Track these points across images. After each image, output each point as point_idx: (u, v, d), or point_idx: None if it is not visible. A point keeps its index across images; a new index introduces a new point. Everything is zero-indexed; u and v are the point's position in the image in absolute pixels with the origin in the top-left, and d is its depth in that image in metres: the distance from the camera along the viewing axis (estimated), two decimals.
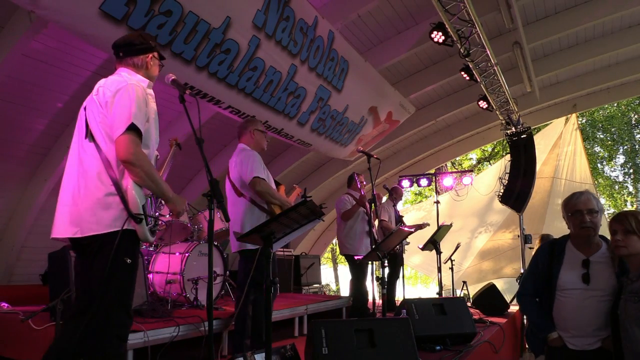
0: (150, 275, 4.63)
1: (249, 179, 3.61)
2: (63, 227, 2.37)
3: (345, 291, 6.47)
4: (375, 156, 5.10)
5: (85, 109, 2.51)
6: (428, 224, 7.33)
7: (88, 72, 5.67)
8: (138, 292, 4.00)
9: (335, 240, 14.57)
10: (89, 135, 2.42)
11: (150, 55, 2.67)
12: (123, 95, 2.39)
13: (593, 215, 2.84)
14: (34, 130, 5.94)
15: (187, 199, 5.69)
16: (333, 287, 20.76)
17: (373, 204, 5.03)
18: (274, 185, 3.86)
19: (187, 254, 4.63)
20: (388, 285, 5.68)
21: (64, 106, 5.91)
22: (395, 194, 7.17)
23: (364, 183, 6.10)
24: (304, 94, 5.80)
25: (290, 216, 2.49)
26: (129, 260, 2.36)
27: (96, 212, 2.32)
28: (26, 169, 6.20)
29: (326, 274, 20.93)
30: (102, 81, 2.54)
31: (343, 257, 6.19)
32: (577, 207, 2.87)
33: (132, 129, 2.33)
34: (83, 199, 2.34)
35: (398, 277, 7.00)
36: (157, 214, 2.57)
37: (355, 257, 5.68)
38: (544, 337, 2.92)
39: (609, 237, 2.81)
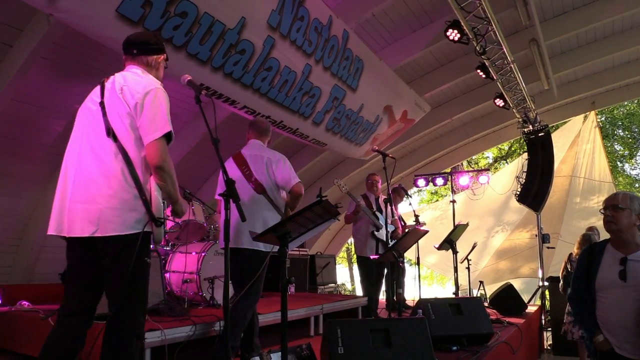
0: (167, 275, 4.67)
1: (294, 182, 3.62)
2: (79, 226, 2.31)
3: (360, 291, 6.50)
4: (390, 155, 5.09)
5: (102, 105, 2.44)
6: (424, 223, 7.26)
7: (105, 73, 5.73)
8: (155, 291, 4.04)
9: (350, 240, 14.57)
10: (112, 134, 2.37)
11: (162, 56, 2.70)
12: (155, 99, 2.40)
13: (616, 211, 2.86)
14: (52, 132, 6.04)
15: (203, 199, 5.76)
16: (348, 286, 20.72)
17: (389, 204, 5.01)
18: None
19: (203, 254, 4.66)
20: (393, 284, 5.66)
21: None
22: (396, 196, 7.08)
23: (377, 181, 6.11)
24: (318, 94, 5.80)
25: (306, 216, 2.49)
26: (148, 260, 2.42)
27: (122, 212, 2.31)
28: (45, 169, 6.29)
29: (341, 273, 20.93)
30: (119, 79, 2.49)
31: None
32: (604, 204, 2.94)
33: (166, 135, 2.39)
34: (107, 199, 2.30)
35: (404, 276, 6.98)
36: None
37: (372, 257, 5.70)
38: (590, 340, 2.91)
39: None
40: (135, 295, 2.36)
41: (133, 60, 2.60)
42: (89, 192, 2.33)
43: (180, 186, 5.39)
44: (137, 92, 2.40)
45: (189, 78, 2.77)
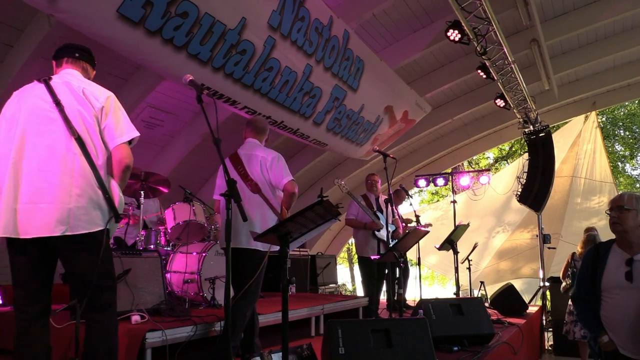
0: (168, 275, 4.67)
1: (286, 180, 3.56)
2: (43, 226, 2.31)
3: (361, 291, 6.53)
4: (391, 155, 5.09)
5: (58, 104, 2.42)
6: (430, 224, 7.30)
7: (106, 74, 5.75)
8: (156, 291, 4.04)
9: (351, 240, 14.57)
10: (75, 135, 2.40)
11: (94, 72, 2.82)
12: (117, 104, 2.57)
13: (622, 212, 2.86)
14: None
15: (203, 199, 5.75)
16: (349, 287, 20.72)
17: (389, 204, 5.01)
18: None
19: (204, 254, 4.66)
20: (394, 285, 5.68)
21: None
22: (396, 197, 7.09)
23: (376, 181, 6.12)
24: (319, 94, 5.80)
25: (307, 216, 2.49)
26: (112, 254, 2.65)
27: (89, 211, 2.39)
28: None
29: (342, 273, 20.91)
30: (75, 81, 2.54)
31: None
32: (609, 205, 2.95)
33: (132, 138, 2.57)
34: (76, 198, 2.35)
35: (409, 275, 7.00)
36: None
37: (372, 257, 5.70)
38: (595, 340, 2.91)
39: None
40: (112, 283, 2.57)
41: (73, 63, 2.67)
42: (54, 192, 2.33)
43: (181, 186, 5.43)
44: (100, 96, 2.52)
45: (190, 78, 2.77)
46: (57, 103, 2.43)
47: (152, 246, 5.01)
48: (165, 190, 5.26)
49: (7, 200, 2.35)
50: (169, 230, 5.07)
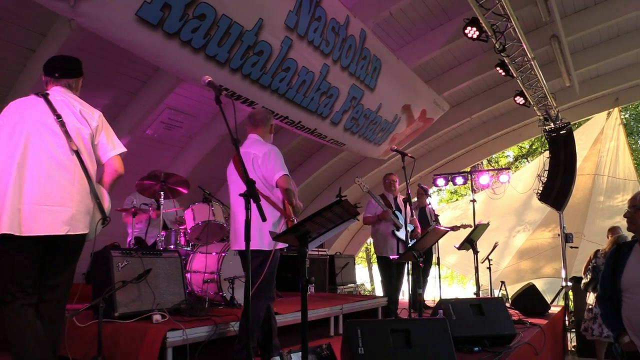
0: (188, 275, 4.71)
1: (278, 176, 3.42)
2: (53, 225, 2.61)
3: (379, 291, 6.53)
4: (409, 155, 5.07)
5: (60, 122, 2.70)
6: (470, 226, 7.22)
7: (126, 76, 5.83)
8: (176, 291, 4.08)
9: (369, 240, 14.53)
10: (74, 149, 2.70)
11: (81, 79, 3.01)
12: (106, 123, 2.92)
13: (636, 211, 2.84)
14: None
15: (222, 200, 5.79)
16: (368, 286, 20.67)
17: (408, 203, 4.98)
18: None
19: (223, 254, 4.69)
20: (415, 284, 5.66)
21: (104, 110, 6.08)
22: (421, 195, 7.08)
23: (394, 181, 6.10)
24: (336, 94, 5.79)
25: (325, 215, 2.48)
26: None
27: (85, 215, 2.74)
28: None
29: (361, 273, 20.86)
30: (72, 100, 2.82)
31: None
32: (628, 204, 2.92)
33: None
34: (76, 204, 2.69)
35: (427, 276, 6.95)
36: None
37: (391, 257, 5.68)
38: (616, 340, 2.88)
39: None
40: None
41: (56, 82, 2.88)
42: (59, 197, 2.63)
43: (200, 187, 5.47)
44: (93, 116, 2.87)
45: (209, 79, 2.79)
46: (59, 118, 2.71)
47: (172, 246, 5.07)
48: (185, 191, 5.31)
49: (12, 200, 2.56)
50: (189, 231, 5.12)
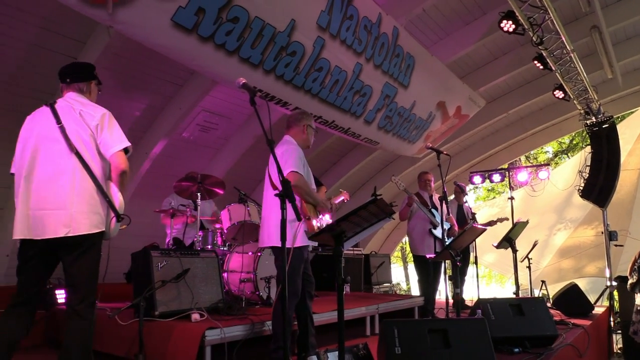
0: (225, 275, 4.78)
1: (286, 173, 3.35)
2: (52, 228, 2.69)
3: (415, 290, 6.47)
4: (444, 152, 5.00)
5: (61, 128, 2.80)
6: (506, 219, 7.09)
7: (162, 80, 5.96)
8: (214, 290, 4.15)
9: (404, 239, 14.41)
10: (74, 151, 2.77)
11: (93, 82, 3.11)
12: (111, 119, 2.92)
13: None
14: None
15: (257, 200, 5.86)
16: (404, 286, 20.49)
17: (444, 202, 4.91)
18: (313, 185, 3.71)
19: (259, 254, 4.74)
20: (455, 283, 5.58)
21: (142, 114, 6.25)
22: (459, 193, 6.98)
23: (430, 179, 6.03)
24: (369, 92, 5.77)
25: (361, 215, 2.48)
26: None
27: (89, 215, 2.75)
28: None
29: (396, 273, 20.71)
30: (75, 104, 2.89)
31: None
32: None
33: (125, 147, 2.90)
34: (76, 205, 2.72)
35: (465, 275, 6.83)
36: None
37: (427, 256, 5.61)
38: None
39: None
40: (95, 282, 2.85)
41: (68, 88, 3.01)
42: (58, 200, 2.71)
43: (235, 187, 5.55)
44: (95, 115, 2.88)
45: (243, 81, 2.82)
46: (61, 127, 2.81)
47: (209, 246, 5.15)
48: (221, 192, 5.39)
49: (22, 207, 2.76)
50: (225, 231, 5.19)
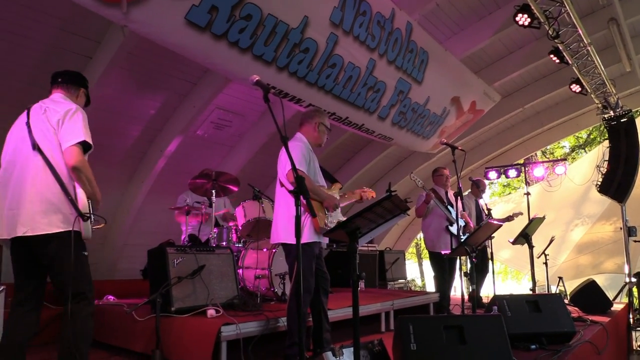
0: (240, 271, 4.81)
1: (287, 170, 3.47)
2: (14, 228, 2.71)
3: (431, 287, 6.44)
4: (459, 148, 4.96)
5: (27, 125, 2.83)
6: (521, 213, 7.02)
7: (176, 79, 6.00)
8: (229, 286, 4.18)
9: (419, 235, 14.35)
10: (37, 148, 2.76)
11: (82, 90, 3.13)
12: (74, 115, 2.83)
13: None
14: (129, 136, 6.38)
15: (271, 196, 5.88)
16: (418, 282, 20.42)
17: (460, 198, 4.87)
18: (322, 182, 3.71)
19: (274, 250, 4.76)
20: (470, 279, 5.54)
21: (156, 112, 6.29)
22: (475, 188, 6.95)
23: (446, 175, 5.99)
24: (383, 88, 5.74)
25: (375, 211, 2.47)
26: (85, 254, 2.84)
27: (47, 214, 2.71)
28: (124, 173, 6.67)
29: (411, 269, 20.63)
30: (46, 103, 2.90)
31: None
32: None
33: (81, 142, 2.79)
34: (37, 204, 2.71)
35: (487, 272, 6.77)
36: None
37: (443, 253, 5.58)
38: None
39: None
40: (82, 280, 2.78)
41: (58, 87, 3.03)
42: (22, 199, 2.73)
43: (250, 184, 5.57)
44: (58, 111, 2.83)
45: (257, 78, 2.82)
46: (27, 124, 2.85)
47: (224, 243, 5.19)
48: (235, 189, 5.42)
49: (0, 207, 2.80)
50: (240, 228, 5.22)
